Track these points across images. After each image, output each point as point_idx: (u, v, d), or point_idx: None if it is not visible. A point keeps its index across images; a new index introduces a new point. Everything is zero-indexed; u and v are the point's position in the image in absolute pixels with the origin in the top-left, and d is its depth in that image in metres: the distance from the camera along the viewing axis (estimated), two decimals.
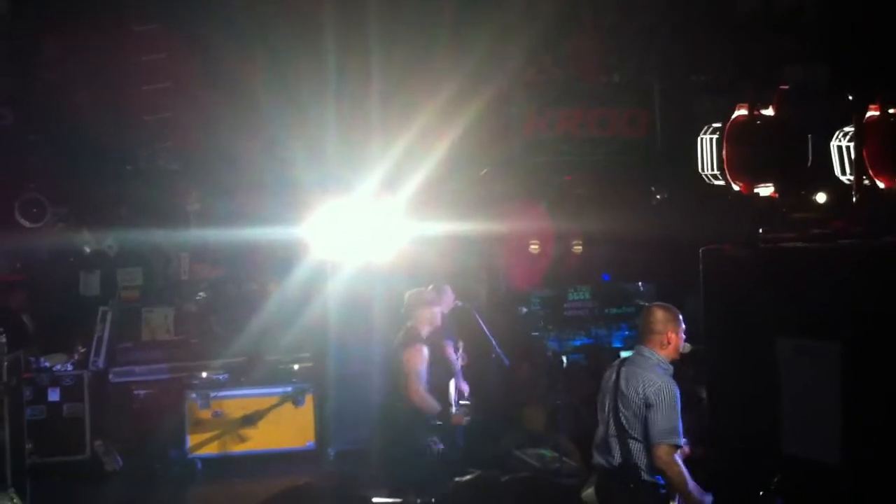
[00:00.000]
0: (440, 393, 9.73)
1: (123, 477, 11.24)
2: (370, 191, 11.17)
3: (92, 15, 10.67)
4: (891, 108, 6.40)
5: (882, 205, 6.40)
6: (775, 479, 6.09)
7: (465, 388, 9.96)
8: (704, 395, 7.54)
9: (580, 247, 12.51)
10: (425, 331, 8.69)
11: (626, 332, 12.29)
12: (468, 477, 9.74)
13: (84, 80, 10.78)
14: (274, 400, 11.57)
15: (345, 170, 11.21)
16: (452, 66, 10.76)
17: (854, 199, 6.52)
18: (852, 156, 6.58)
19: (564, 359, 10.26)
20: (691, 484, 6.13)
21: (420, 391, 8.43)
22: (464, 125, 10.98)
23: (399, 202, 11.21)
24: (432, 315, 8.76)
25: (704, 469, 6.59)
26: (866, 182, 6.51)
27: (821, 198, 7.22)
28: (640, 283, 12.76)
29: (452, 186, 11.63)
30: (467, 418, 8.79)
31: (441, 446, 8.66)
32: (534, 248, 12.40)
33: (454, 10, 11.10)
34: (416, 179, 11.05)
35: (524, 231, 12.02)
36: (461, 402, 9.59)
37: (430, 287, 10.34)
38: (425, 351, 8.49)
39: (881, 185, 6.43)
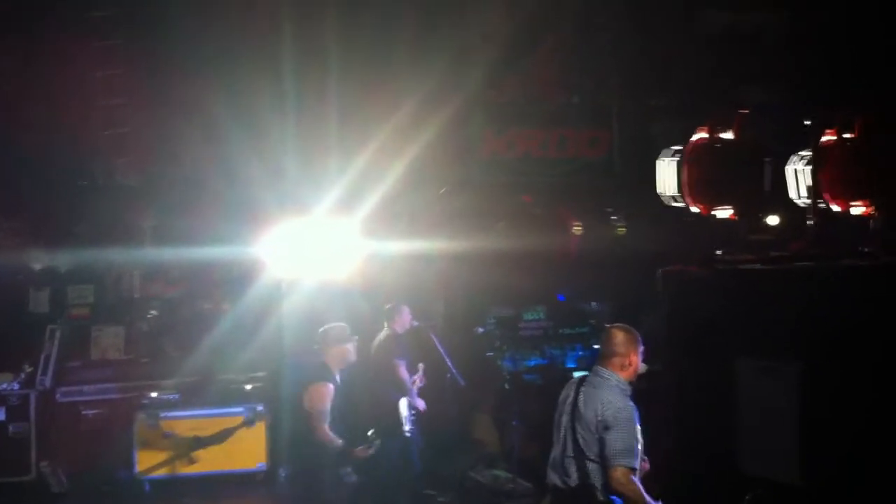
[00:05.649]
0: (389, 410, 9.67)
1: (70, 499, 11.01)
2: (327, 209, 11.12)
3: (50, 28, 10.54)
4: (846, 132, 6.50)
5: (839, 227, 6.49)
6: (747, 498, 6.08)
7: (421, 405, 9.92)
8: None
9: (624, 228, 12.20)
10: (336, 368, 8.22)
11: (581, 353, 12.28)
12: None
13: (41, 93, 10.63)
14: (225, 420, 11.40)
15: (302, 188, 11.15)
16: (411, 86, 10.76)
17: (811, 223, 6.60)
18: (808, 179, 6.67)
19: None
20: (649, 500, 6.09)
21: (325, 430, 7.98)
22: (422, 145, 10.96)
23: (356, 221, 11.16)
24: (345, 353, 8.27)
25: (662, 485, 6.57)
26: (822, 205, 6.59)
27: (773, 220, 7.28)
28: (594, 303, 12.77)
29: (410, 205, 11.59)
30: (371, 451, 8.43)
31: (354, 479, 8.41)
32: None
33: (413, 29, 11.11)
34: (374, 198, 11.01)
35: (480, 250, 11.94)
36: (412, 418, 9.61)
37: (388, 306, 10.32)
38: (332, 389, 8.05)
39: (836, 208, 6.52)
